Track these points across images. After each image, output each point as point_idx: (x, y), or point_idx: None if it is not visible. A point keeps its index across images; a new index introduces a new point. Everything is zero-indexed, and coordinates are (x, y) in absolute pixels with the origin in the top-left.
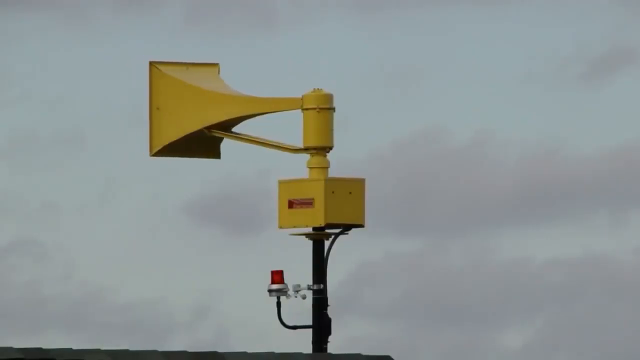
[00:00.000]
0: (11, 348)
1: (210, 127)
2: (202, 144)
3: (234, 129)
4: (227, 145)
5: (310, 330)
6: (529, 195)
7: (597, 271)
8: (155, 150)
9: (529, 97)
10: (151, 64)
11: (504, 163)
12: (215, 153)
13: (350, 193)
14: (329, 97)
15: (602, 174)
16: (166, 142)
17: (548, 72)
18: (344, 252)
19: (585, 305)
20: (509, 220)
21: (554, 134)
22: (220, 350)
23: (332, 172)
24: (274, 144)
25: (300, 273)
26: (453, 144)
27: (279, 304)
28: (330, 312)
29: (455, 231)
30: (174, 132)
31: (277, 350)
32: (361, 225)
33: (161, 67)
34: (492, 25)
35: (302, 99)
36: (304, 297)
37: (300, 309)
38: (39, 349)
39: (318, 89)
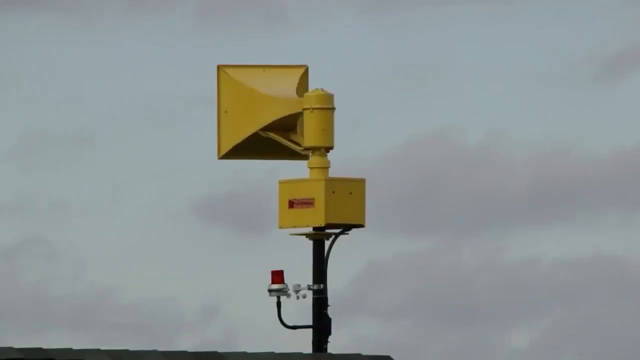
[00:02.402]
0: (11, 348)
1: (264, 129)
2: (264, 145)
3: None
4: None
5: (311, 330)
6: (539, 195)
7: (607, 271)
8: (223, 152)
9: (541, 97)
10: (219, 67)
11: (514, 163)
12: (280, 154)
13: (350, 193)
14: (329, 97)
15: (612, 174)
16: (233, 145)
17: (560, 72)
18: (344, 252)
19: (594, 305)
20: (518, 220)
21: (565, 134)
22: (222, 350)
23: (335, 172)
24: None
25: (300, 273)
26: (463, 143)
27: (279, 304)
28: (331, 312)
29: (463, 231)
30: (238, 135)
31: (277, 350)
32: (361, 226)
33: (228, 71)
34: (503, 24)
35: (302, 99)
36: (304, 297)
37: (300, 309)
38: (39, 349)
39: (318, 89)
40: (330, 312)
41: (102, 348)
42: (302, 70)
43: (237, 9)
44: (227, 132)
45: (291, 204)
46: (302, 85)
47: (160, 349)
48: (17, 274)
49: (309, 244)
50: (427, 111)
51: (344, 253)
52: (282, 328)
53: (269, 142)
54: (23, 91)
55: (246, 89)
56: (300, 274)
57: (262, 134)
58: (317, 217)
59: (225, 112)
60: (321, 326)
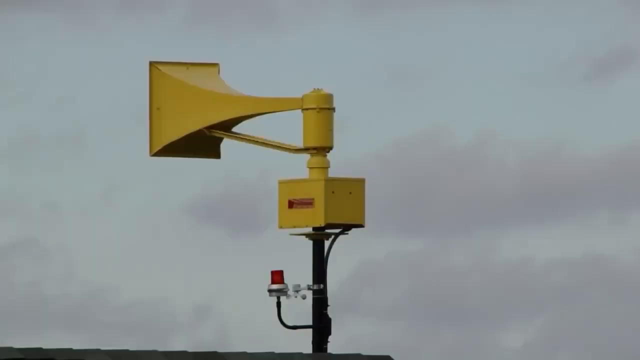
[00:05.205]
0: (11, 348)
1: (210, 127)
2: (202, 144)
3: (234, 129)
4: (227, 145)
5: (310, 330)
6: (531, 195)
7: (598, 271)
8: (155, 150)
9: (531, 98)
10: (151, 64)
11: (506, 163)
12: (215, 153)
13: (350, 193)
14: (329, 97)
15: (603, 174)
16: (166, 142)
17: (550, 72)
18: (344, 252)
19: (586, 305)
20: (510, 221)
21: (555, 135)
22: (220, 350)
23: (332, 172)
24: (274, 144)
25: (300, 273)
26: (454, 144)
27: (279, 304)
28: (330, 312)
29: (456, 231)
30: (174, 132)
31: (277, 350)
32: (361, 225)
33: (161, 67)
34: (494, 25)
35: (302, 99)
36: (304, 297)
37: (300, 309)
38: (39, 349)
39: (318, 89)
40: (330, 312)
41: (97, 348)
42: (216, 68)
43: (232, 9)
44: (160, 129)
45: (291, 204)
46: (222, 84)
47: (157, 349)
48: (9, 274)
49: (309, 244)
50: (420, 111)
51: (344, 253)
52: (281, 328)
53: (209, 139)
54: (14, 91)
55: (187, 86)
56: (300, 274)
57: (207, 132)
58: (317, 217)
59: (158, 109)
60: (321, 326)
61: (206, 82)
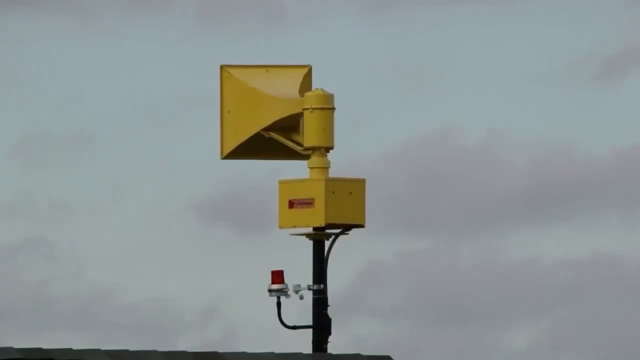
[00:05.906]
0: (11, 348)
1: (266, 129)
2: (267, 145)
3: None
4: None
5: (310, 330)
6: (538, 195)
7: (606, 271)
8: (226, 152)
9: (540, 97)
10: (222, 67)
11: (514, 163)
12: (283, 154)
13: (350, 193)
14: (329, 97)
15: (612, 174)
16: (236, 144)
17: (560, 72)
18: (344, 252)
19: (594, 305)
20: (518, 220)
21: (565, 134)
22: (222, 350)
23: (333, 172)
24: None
25: (300, 273)
26: (462, 143)
27: (279, 304)
28: (331, 312)
29: (463, 231)
30: (241, 135)
31: (277, 350)
32: (361, 226)
33: (231, 71)
34: (503, 24)
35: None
36: (301, 297)
37: (300, 309)
38: (39, 349)
39: (318, 89)
40: (330, 312)
41: (102, 348)
42: (305, 70)
43: (237, 9)
44: (230, 132)
45: (291, 204)
46: (305, 85)
47: (161, 349)
48: (18, 274)
49: (309, 244)
50: (427, 111)
51: (344, 253)
52: (282, 328)
53: (271, 142)
54: (23, 91)
55: (248, 89)
56: (300, 274)
57: (265, 134)
58: (317, 217)
59: (229, 112)
60: (321, 326)
61: (269, 85)
